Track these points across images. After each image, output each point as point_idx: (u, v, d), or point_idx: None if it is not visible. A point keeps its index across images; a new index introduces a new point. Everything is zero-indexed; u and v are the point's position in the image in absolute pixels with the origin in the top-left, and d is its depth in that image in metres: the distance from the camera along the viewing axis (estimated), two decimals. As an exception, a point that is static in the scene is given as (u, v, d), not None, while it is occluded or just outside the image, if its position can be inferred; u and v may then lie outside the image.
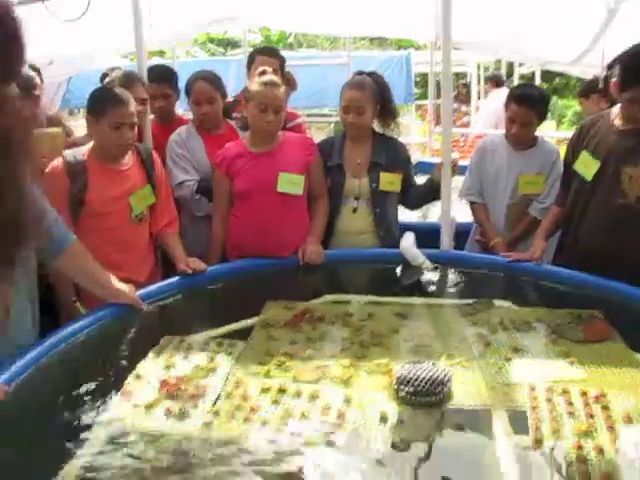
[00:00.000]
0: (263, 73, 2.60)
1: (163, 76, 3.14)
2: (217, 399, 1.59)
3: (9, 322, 1.65)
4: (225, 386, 1.66)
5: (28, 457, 1.36)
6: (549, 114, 3.78)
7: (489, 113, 8.14)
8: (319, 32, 10.54)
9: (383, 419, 1.48)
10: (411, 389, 1.55)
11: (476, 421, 1.50)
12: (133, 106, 2.35)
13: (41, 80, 2.94)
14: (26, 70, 2.77)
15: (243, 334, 1.96)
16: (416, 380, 1.55)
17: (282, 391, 1.61)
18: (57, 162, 2.32)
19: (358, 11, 4.65)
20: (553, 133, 8.35)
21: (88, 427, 1.46)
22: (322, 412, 1.51)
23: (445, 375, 1.58)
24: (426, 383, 1.55)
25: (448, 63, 2.59)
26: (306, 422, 1.48)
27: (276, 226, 2.53)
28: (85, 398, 1.60)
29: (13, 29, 0.58)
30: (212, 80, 2.91)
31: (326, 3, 4.34)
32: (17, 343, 1.71)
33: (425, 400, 1.54)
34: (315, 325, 2.02)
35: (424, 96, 10.33)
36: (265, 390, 1.62)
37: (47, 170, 2.30)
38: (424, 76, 10.66)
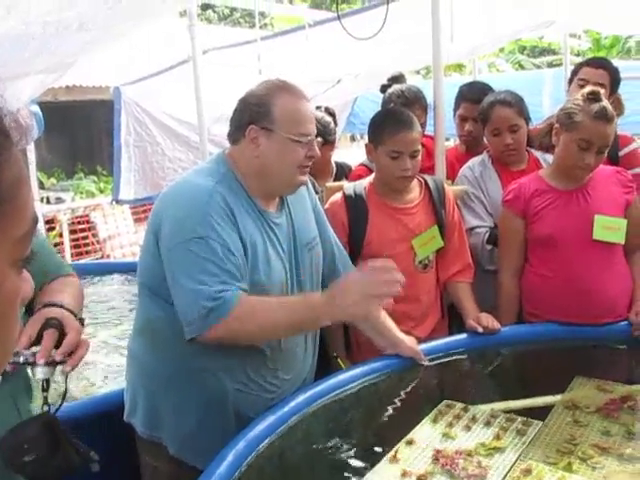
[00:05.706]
0: (593, 96, 2.46)
1: (479, 95, 3.22)
2: (501, 485, 1.64)
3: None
4: (512, 472, 1.69)
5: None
6: None
7: None
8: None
9: None
10: None
11: None
12: (417, 131, 2.48)
13: (335, 123, 3.39)
14: (324, 115, 3.27)
15: (540, 413, 1.97)
16: None
17: (587, 492, 1.59)
18: (337, 196, 2.61)
19: None
20: None
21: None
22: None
23: None
24: None
25: None
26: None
27: (593, 284, 2.47)
28: (349, 455, 1.81)
29: None
30: (514, 103, 2.91)
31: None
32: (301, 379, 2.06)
33: None
34: (640, 417, 1.95)
35: None
36: (564, 486, 1.61)
37: (327, 206, 2.60)
38: None
